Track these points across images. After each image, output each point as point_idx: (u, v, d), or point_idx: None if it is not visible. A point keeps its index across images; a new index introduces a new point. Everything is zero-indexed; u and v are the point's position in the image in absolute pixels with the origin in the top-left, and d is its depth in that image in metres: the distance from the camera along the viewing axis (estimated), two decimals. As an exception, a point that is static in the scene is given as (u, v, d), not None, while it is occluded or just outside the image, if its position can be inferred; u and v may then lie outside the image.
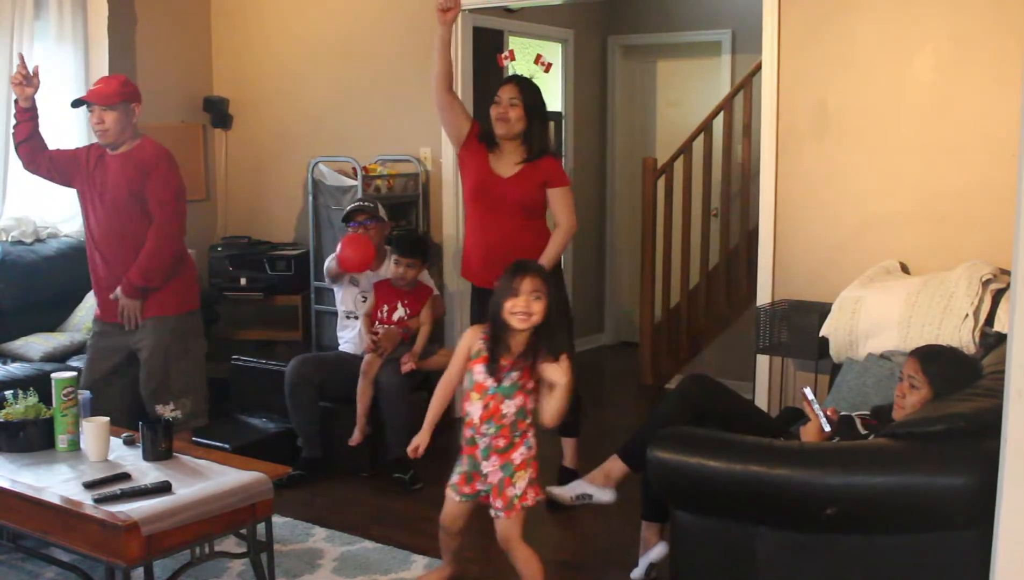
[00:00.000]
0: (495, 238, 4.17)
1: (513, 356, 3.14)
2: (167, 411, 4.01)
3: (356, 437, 4.61)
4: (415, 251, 4.73)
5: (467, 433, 3.22)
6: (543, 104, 4.28)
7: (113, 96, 4.00)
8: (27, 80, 4.07)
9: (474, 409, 3.17)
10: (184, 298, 4.20)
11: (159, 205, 4.03)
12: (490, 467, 3.19)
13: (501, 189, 4.16)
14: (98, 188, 4.07)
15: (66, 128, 5.18)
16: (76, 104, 4.15)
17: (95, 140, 4.16)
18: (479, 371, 3.17)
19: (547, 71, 4.34)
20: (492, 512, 3.23)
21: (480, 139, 4.23)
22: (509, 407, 3.15)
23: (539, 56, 4.34)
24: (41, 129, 4.18)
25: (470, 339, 3.20)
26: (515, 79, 4.24)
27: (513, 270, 3.15)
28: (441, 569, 3.57)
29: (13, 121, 4.16)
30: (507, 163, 4.19)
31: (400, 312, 4.70)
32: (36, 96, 4.12)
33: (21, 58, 4.15)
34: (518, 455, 3.19)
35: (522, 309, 3.07)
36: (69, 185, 4.21)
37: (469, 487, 3.28)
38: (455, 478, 3.31)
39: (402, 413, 4.49)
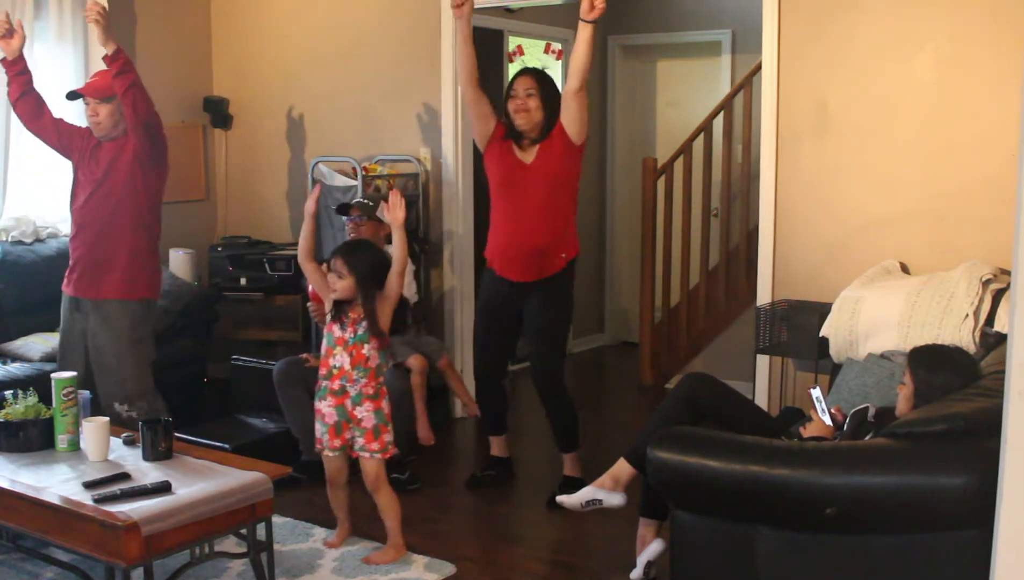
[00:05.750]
0: (519, 230, 4.19)
1: (357, 311, 3.60)
2: (124, 411, 4.02)
3: None
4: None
5: (335, 385, 3.59)
6: (559, 91, 4.31)
7: (107, 89, 4.04)
8: (9, 32, 4.08)
9: (343, 360, 3.58)
10: (147, 282, 4.17)
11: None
12: (364, 413, 3.59)
13: (527, 175, 4.20)
14: (95, 171, 4.10)
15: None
16: (71, 97, 4.20)
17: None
18: (336, 330, 3.61)
19: (559, 58, 4.35)
20: (367, 454, 3.60)
21: (507, 137, 4.25)
22: (370, 352, 3.58)
23: (548, 44, 4.35)
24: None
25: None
26: (527, 70, 4.27)
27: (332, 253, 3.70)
28: (341, 529, 3.84)
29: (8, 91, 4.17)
30: (531, 151, 4.23)
31: None
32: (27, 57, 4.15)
33: (7, 14, 4.13)
34: (386, 404, 3.63)
35: (331, 286, 3.60)
36: (68, 156, 4.22)
37: (339, 439, 3.63)
38: (322, 438, 3.65)
39: (401, 416, 4.48)
